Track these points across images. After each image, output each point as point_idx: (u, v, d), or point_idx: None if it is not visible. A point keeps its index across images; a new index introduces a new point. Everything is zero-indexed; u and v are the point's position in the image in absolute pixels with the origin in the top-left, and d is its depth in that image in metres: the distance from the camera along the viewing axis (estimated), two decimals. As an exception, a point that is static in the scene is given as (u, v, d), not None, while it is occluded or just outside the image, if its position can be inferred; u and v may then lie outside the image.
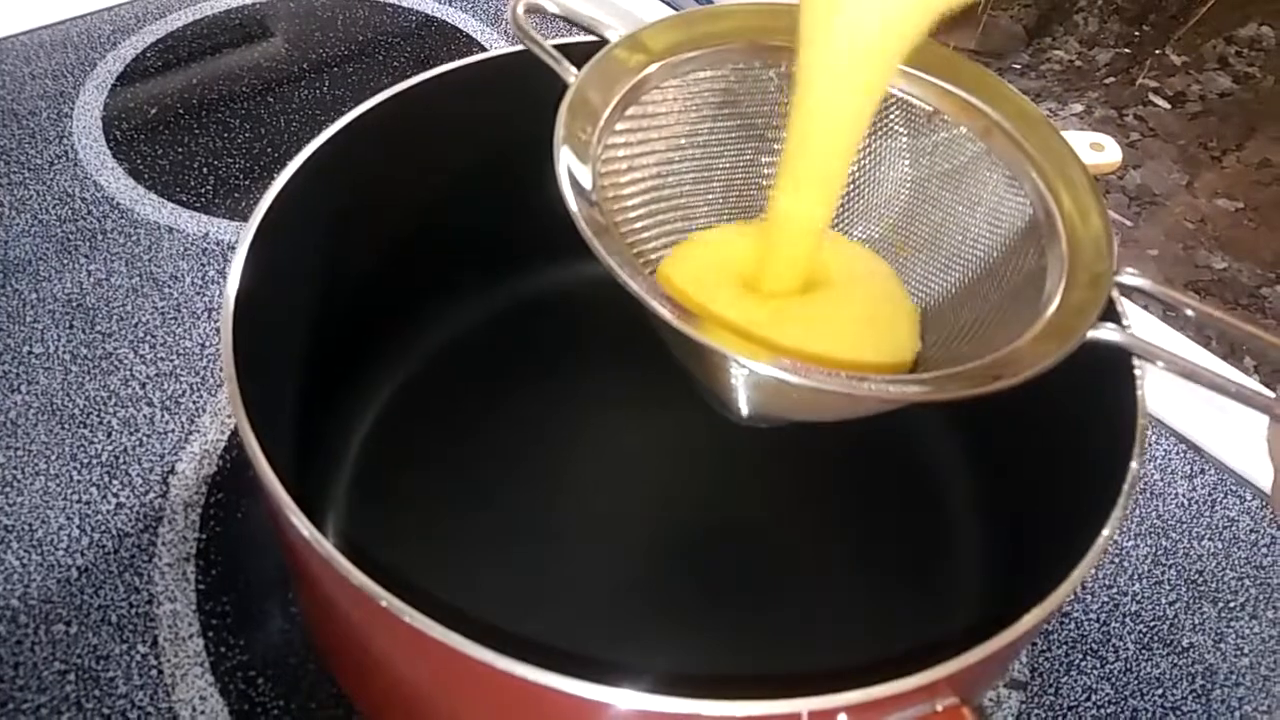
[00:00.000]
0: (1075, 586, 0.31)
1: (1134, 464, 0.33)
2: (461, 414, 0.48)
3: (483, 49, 0.73)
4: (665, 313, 0.30)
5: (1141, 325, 0.52)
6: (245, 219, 0.58)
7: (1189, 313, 0.33)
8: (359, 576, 0.28)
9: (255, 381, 0.33)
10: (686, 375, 0.38)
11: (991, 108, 0.39)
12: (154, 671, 0.40)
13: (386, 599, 0.28)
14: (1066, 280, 0.34)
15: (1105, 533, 0.32)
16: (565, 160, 0.34)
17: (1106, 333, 0.32)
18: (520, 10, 0.38)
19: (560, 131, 0.34)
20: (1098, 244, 0.34)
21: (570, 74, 0.36)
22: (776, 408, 0.37)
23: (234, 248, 0.57)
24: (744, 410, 0.38)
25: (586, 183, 0.34)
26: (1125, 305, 0.37)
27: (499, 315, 0.51)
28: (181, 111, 0.65)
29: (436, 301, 0.50)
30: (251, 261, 0.36)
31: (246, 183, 0.61)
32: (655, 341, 0.36)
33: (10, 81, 0.66)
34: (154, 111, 0.65)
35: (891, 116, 0.40)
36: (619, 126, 0.37)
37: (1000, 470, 0.44)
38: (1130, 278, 0.34)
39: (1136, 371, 0.35)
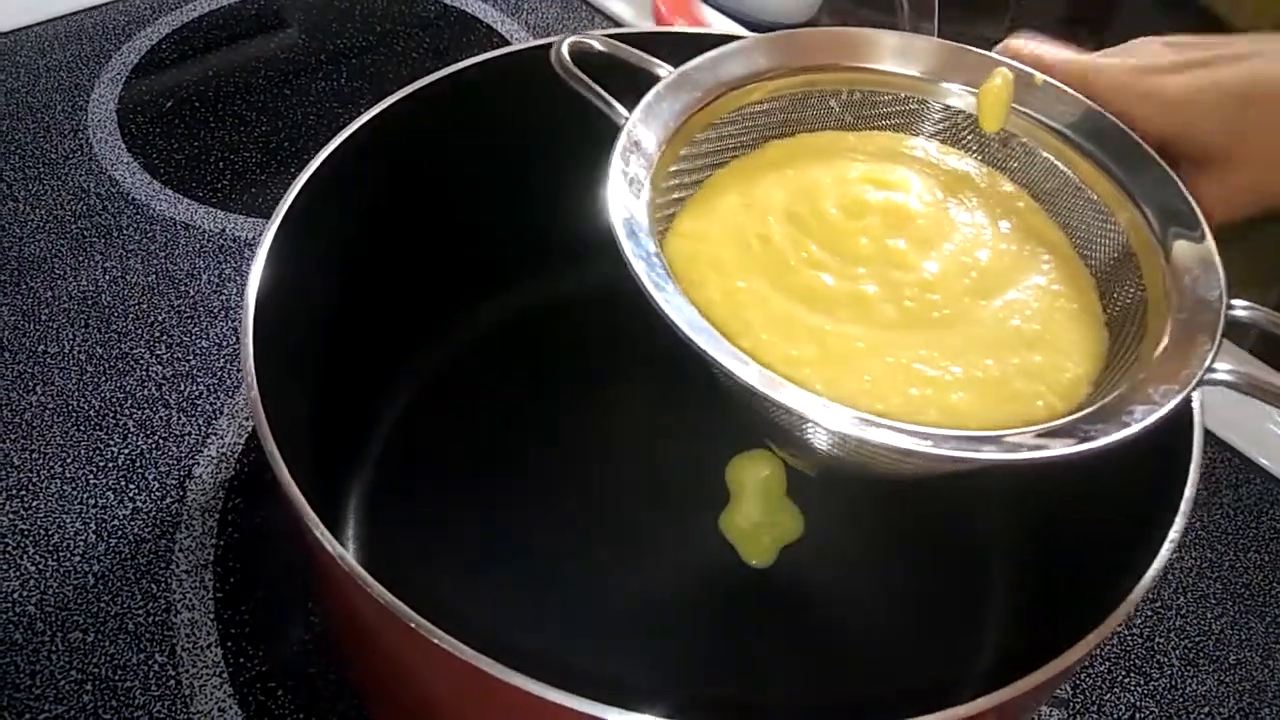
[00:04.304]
0: (1130, 610, 0.30)
1: (1192, 475, 0.32)
2: (482, 418, 0.47)
3: (504, 40, 0.71)
4: (751, 380, 0.28)
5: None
6: (262, 215, 0.58)
7: None
8: (386, 596, 0.27)
9: (275, 387, 0.32)
10: (747, 417, 0.35)
11: (1062, 123, 0.36)
12: (172, 682, 0.39)
13: (416, 621, 0.27)
14: (1173, 315, 0.31)
15: (1165, 550, 0.31)
16: (620, 210, 0.32)
17: (1222, 373, 0.29)
18: (565, 51, 0.37)
19: (613, 179, 0.33)
20: (1204, 270, 0.31)
21: (621, 116, 0.35)
22: (856, 465, 0.34)
23: (251, 244, 0.56)
24: (815, 465, 0.36)
25: (643, 230, 0.32)
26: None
27: (525, 316, 0.50)
28: (197, 104, 0.64)
29: (459, 301, 0.49)
30: (272, 263, 0.35)
31: (263, 177, 0.60)
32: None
33: (24, 74, 0.65)
34: (169, 104, 0.64)
35: (964, 139, 0.39)
36: (673, 168, 0.36)
37: (1039, 492, 0.42)
38: (1244, 310, 0.30)
39: (1195, 405, 0.32)
